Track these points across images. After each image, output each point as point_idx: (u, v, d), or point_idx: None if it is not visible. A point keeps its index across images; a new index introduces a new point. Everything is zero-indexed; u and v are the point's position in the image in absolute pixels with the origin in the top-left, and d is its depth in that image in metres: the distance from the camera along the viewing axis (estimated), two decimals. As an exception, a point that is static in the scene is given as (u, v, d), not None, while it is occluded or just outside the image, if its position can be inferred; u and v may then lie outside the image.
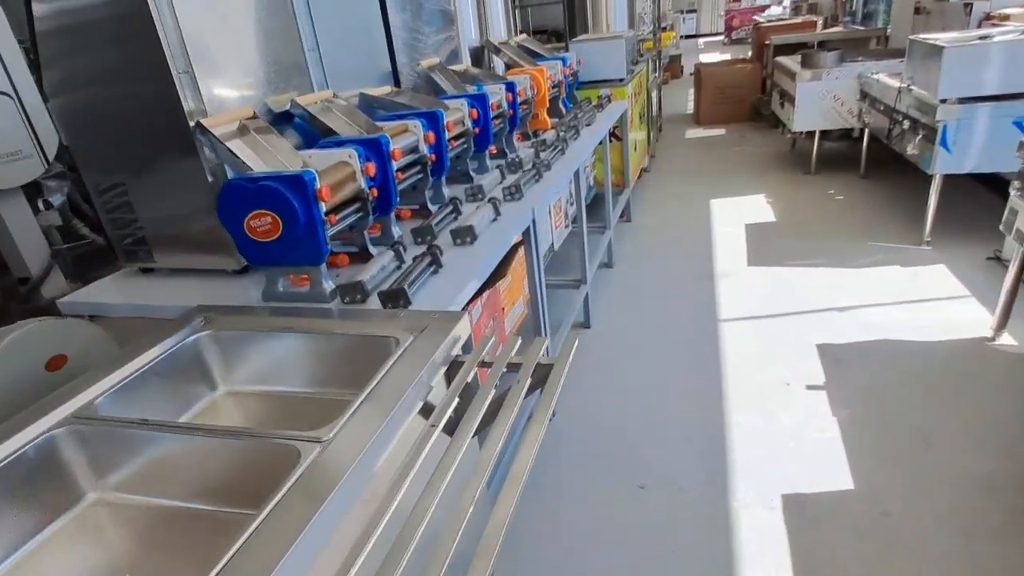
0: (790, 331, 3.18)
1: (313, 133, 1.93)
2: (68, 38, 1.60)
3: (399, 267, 1.66)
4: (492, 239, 1.89)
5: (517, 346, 1.28)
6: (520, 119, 2.91)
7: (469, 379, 1.18)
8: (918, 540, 1.95)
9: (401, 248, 1.70)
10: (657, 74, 7.25)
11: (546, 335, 2.51)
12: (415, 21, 2.75)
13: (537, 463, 1.04)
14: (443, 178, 2.24)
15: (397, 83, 2.61)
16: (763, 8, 14.76)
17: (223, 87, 1.70)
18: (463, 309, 1.55)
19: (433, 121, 2.07)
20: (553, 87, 3.45)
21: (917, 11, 5.76)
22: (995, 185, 4.39)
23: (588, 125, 3.51)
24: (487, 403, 1.11)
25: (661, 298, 3.73)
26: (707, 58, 13.65)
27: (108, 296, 1.77)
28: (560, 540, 2.12)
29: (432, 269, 1.63)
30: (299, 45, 2.00)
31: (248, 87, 1.80)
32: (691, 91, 9.28)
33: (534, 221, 2.21)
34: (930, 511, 2.04)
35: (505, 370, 1.22)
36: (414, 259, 1.63)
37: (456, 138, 2.31)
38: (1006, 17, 4.41)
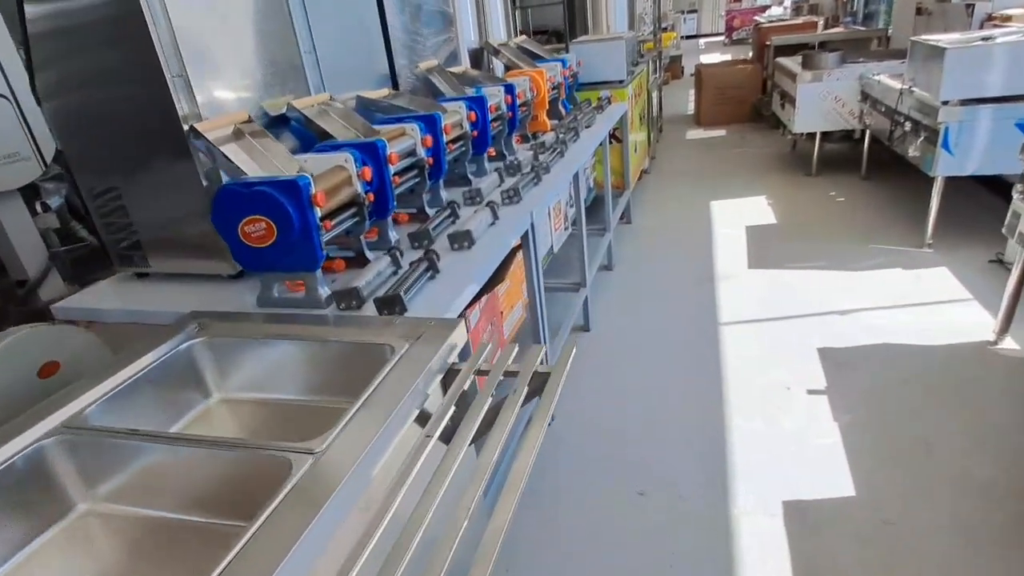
0: (791, 334, 3.16)
1: (309, 136, 1.92)
2: (61, 40, 1.58)
3: (395, 272, 1.64)
4: (490, 243, 1.88)
5: (514, 354, 1.26)
6: (519, 121, 2.90)
7: (466, 387, 1.17)
8: (920, 546, 1.93)
9: (398, 253, 1.68)
10: (657, 75, 7.24)
11: (545, 340, 2.49)
12: (413, 23, 2.73)
13: (535, 468, 1.03)
14: (441, 181, 2.22)
15: (395, 85, 2.59)
16: (764, 8, 14.78)
17: (218, 90, 1.68)
18: (461, 314, 1.53)
19: (431, 124, 2.05)
20: (552, 89, 3.44)
21: (919, 12, 5.74)
22: (997, 187, 4.37)
23: (588, 127, 3.49)
24: (484, 411, 1.10)
25: (661, 301, 3.71)
26: (708, 59, 13.63)
27: (102, 301, 1.76)
28: (558, 546, 2.11)
29: (429, 275, 1.61)
30: (295, 47, 1.98)
31: (243, 90, 1.78)
32: (692, 92, 9.27)
33: (532, 225, 2.20)
34: (932, 517, 2.02)
35: (502, 378, 1.21)
36: (411, 264, 1.61)
37: (454, 141, 2.30)
38: (1008, 18, 4.39)
